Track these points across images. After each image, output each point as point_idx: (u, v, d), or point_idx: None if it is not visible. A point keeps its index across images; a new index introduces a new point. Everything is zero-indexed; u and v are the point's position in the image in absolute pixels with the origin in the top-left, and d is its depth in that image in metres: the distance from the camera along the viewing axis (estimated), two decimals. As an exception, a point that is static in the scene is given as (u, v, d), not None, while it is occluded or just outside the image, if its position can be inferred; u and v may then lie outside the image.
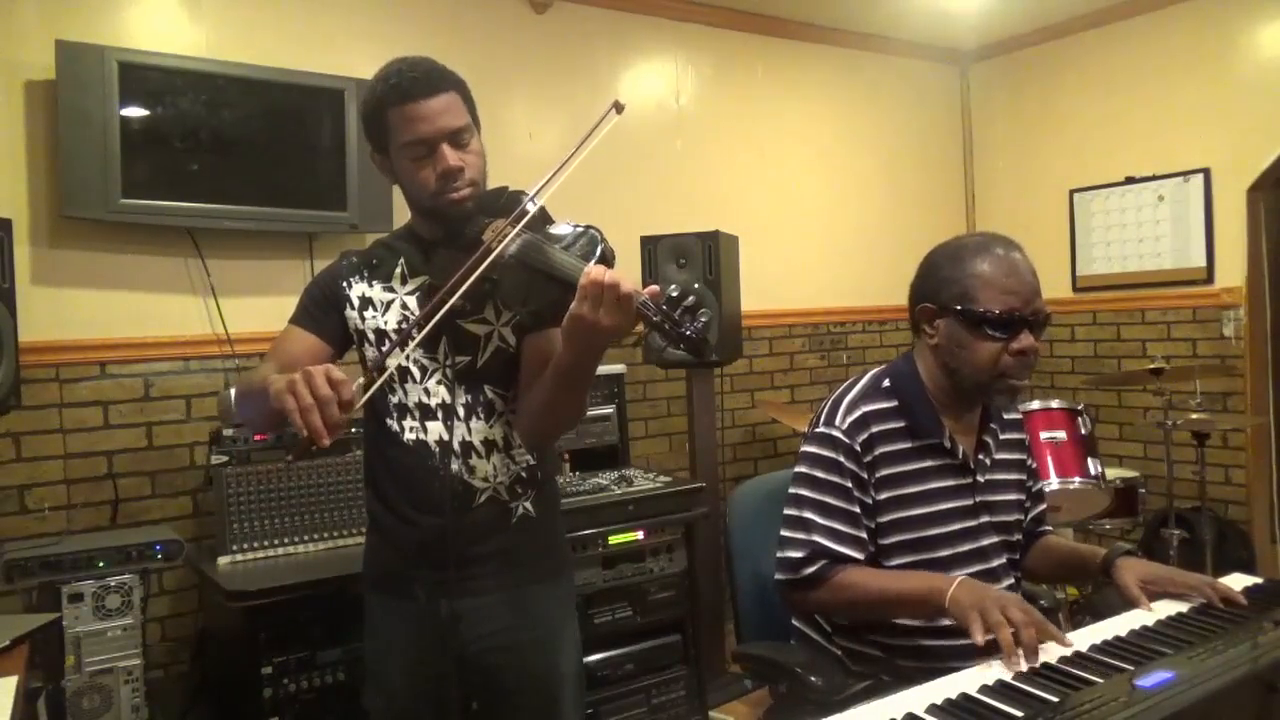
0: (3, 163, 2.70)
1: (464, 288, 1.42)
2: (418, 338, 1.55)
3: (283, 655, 2.38)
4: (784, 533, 1.69)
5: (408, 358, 1.62)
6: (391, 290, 1.66)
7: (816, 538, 1.64)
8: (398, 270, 1.66)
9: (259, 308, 3.01)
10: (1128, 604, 1.60)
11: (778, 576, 1.69)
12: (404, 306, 1.64)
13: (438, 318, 1.43)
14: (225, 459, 2.61)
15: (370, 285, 1.67)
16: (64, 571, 2.33)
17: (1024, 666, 1.31)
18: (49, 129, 2.72)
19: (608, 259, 1.39)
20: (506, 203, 1.52)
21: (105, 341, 2.83)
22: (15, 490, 2.68)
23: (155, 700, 2.54)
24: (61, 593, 2.30)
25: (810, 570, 1.63)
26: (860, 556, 1.64)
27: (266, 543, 2.62)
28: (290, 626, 2.39)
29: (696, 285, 3.23)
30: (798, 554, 1.65)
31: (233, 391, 2.55)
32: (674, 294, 1.31)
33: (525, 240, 1.44)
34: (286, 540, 2.65)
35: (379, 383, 1.57)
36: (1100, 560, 1.72)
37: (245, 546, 2.59)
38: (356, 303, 1.66)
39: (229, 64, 2.88)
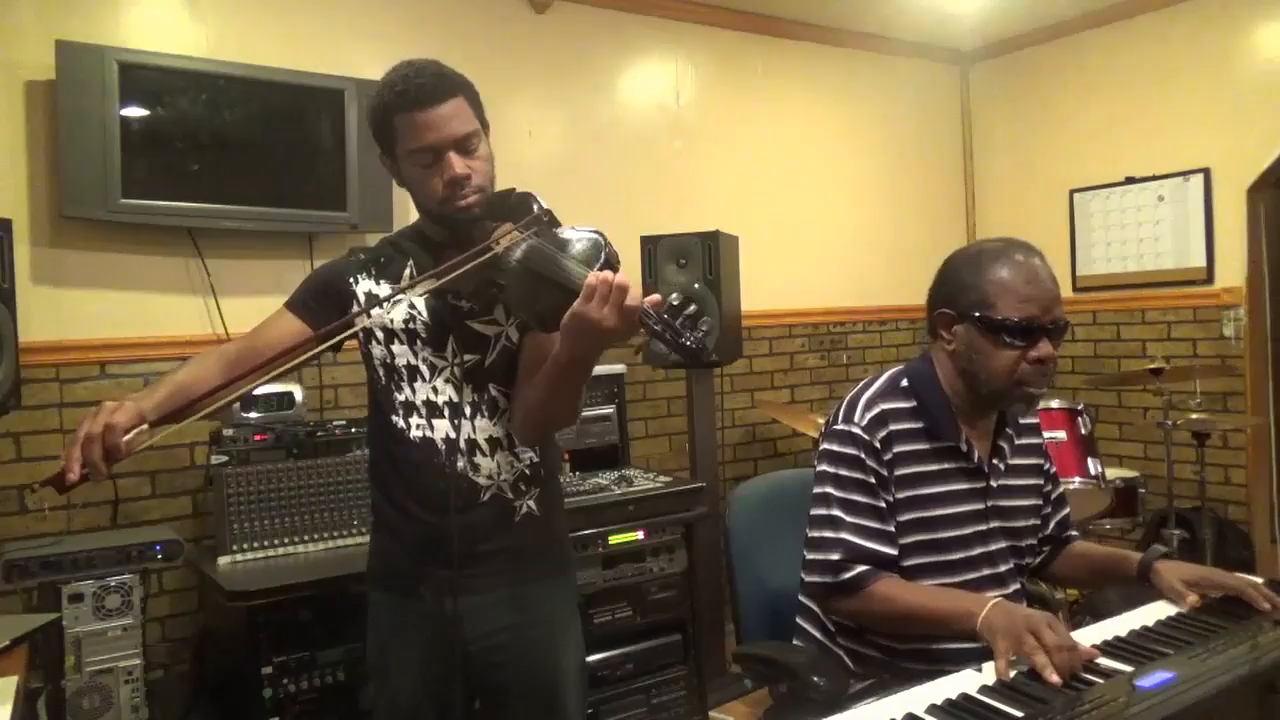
0: (3, 163, 2.70)
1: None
2: (399, 300, 1.60)
3: (283, 655, 2.38)
4: (813, 533, 1.67)
5: (416, 355, 1.63)
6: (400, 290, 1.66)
7: (846, 535, 1.62)
8: (406, 272, 1.66)
9: (259, 308, 2.93)
10: (1173, 602, 1.60)
11: (813, 579, 1.66)
12: (411, 305, 1.64)
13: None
14: (225, 459, 2.61)
15: (378, 283, 1.67)
16: (64, 571, 2.33)
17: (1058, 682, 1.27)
18: (49, 129, 2.71)
19: (612, 264, 1.39)
20: (514, 205, 1.52)
21: (105, 341, 2.83)
22: (15, 490, 2.68)
23: (155, 700, 2.54)
24: (61, 593, 2.30)
25: (849, 575, 1.60)
26: (893, 551, 1.62)
27: (266, 543, 2.62)
28: (290, 626, 2.39)
29: (696, 285, 3.23)
30: (834, 555, 1.62)
31: None
32: (675, 303, 1.31)
33: (530, 245, 1.45)
34: (286, 540, 2.64)
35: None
36: (1138, 564, 1.70)
37: (245, 546, 2.59)
38: (363, 299, 1.66)
39: (229, 64, 2.88)
